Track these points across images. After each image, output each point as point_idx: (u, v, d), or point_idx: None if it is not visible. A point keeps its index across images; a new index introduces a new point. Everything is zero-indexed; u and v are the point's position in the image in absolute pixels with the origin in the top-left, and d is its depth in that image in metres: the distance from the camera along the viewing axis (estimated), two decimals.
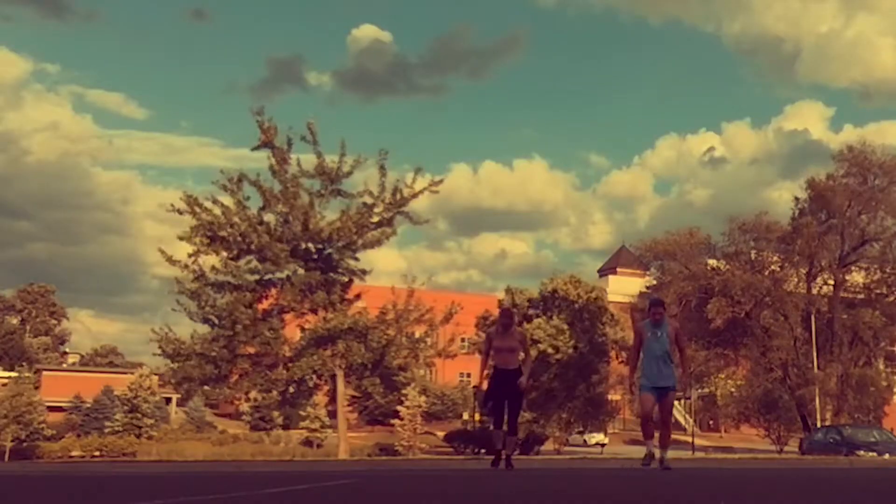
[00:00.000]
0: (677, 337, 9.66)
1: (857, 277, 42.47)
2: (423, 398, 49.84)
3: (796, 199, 42.49)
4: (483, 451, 39.89)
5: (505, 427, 9.79)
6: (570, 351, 44.36)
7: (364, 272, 24.81)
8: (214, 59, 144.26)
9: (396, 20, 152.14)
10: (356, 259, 24.58)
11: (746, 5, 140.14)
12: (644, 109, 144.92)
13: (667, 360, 9.42)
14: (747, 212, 43.84)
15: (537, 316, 46.19)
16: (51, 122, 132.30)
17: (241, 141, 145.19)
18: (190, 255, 23.25)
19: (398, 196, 24.02)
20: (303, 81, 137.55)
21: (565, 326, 44.82)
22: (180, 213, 23.28)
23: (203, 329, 24.26)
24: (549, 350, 43.87)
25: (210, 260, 23.70)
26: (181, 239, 23.35)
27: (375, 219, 24.14)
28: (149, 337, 24.15)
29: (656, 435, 9.56)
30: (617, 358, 47.98)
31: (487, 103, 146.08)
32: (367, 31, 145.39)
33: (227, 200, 23.72)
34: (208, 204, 23.50)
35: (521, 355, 10.18)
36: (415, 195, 24.10)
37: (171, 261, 23.32)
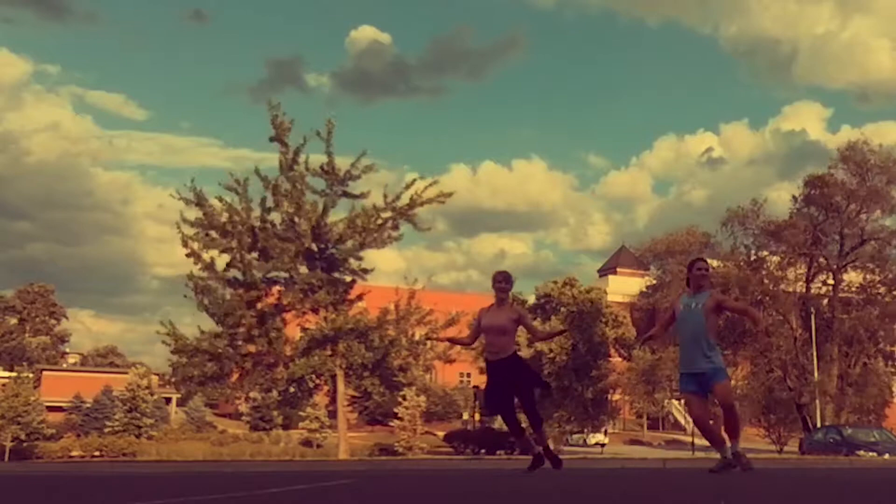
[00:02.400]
0: (719, 306, 7.60)
1: (855, 277, 42.51)
2: (422, 398, 49.87)
3: (794, 197, 42.56)
4: (483, 451, 39.93)
5: (527, 424, 8.01)
6: (567, 353, 44.38)
7: (366, 271, 24.86)
8: (214, 60, 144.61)
9: (395, 21, 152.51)
10: (359, 259, 24.65)
11: (743, 7, 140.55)
12: (642, 110, 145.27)
13: (701, 339, 7.34)
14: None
15: (533, 318, 46.29)
16: (51, 122, 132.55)
17: (242, 141, 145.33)
18: (192, 240, 23.32)
19: (407, 202, 24.13)
20: (302, 82, 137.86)
21: (561, 327, 44.87)
22: (187, 203, 23.31)
23: (209, 324, 24.32)
24: (546, 351, 43.91)
25: (213, 255, 23.78)
26: (185, 222, 23.34)
27: (380, 222, 24.23)
28: (156, 330, 24.18)
29: (726, 438, 7.68)
30: (619, 355, 48.02)
31: (486, 104, 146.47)
32: (366, 33, 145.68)
33: (232, 198, 23.78)
34: (214, 202, 23.58)
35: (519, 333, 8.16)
36: (422, 203, 24.21)
37: (185, 241, 23.27)
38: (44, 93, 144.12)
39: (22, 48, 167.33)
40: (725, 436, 7.76)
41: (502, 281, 7.96)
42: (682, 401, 7.88)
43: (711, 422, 7.89)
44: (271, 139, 24.04)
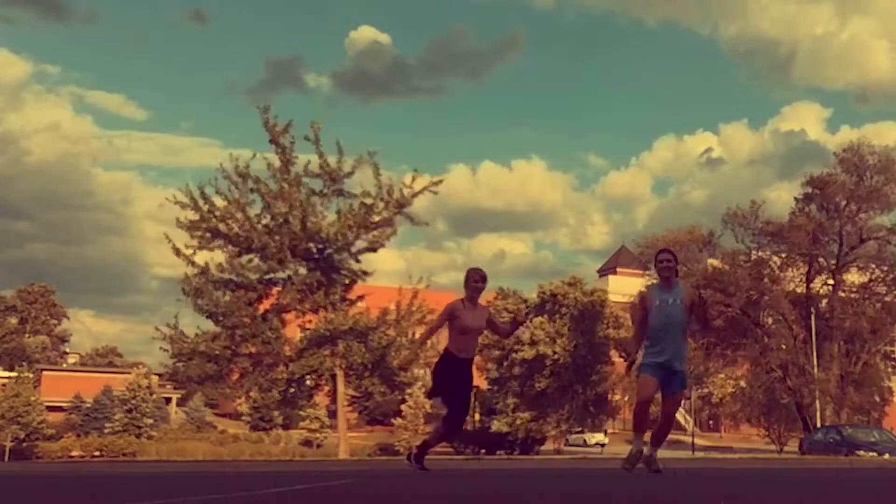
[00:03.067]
0: (693, 305, 7.54)
1: (855, 277, 42.53)
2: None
3: (796, 198, 42.60)
4: (483, 451, 39.96)
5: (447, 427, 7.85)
6: (569, 353, 44.32)
7: (365, 273, 24.84)
8: (214, 61, 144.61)
9: (395, 22, 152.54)
10: (357, 260, 24.62)
11: (742, 8, 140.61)
12: (641, 110, 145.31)
13: (683, 334, 7.47)
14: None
15: (538, 315, 46.17)
16: (51, 122, 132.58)
17: (241, 141, 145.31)
18: (189, 248, 23.34)
19: (399, 196, 24.07)
20: (301, 83, 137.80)
21: (566, 330, 44.81)
22: (183, 206, 23.30)
23: (206, 325, 24.31)
24: (548, 352, 43.86)
25: (209, 256, 23.78)
26: (180, 227, 23.34)
27: (376, 218, 24.19)
28: (152, 335, 24.12)
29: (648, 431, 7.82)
30: (620, 357, 48.03)
31: (486, 104, 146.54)
32: (365, 33, 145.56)
33: (222, 201, 23.76)
34: (217, 199, 23.55)
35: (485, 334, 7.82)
36: (415, 195, 24.16)
37: (176, 251, 23.30)
38: (44, 93, 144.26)
39: (22, 48, 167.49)
40: (650, 439, 7.82)
41: (479, 280, 7.65)
42: (641, 381, 7.51)
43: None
44: (271, 142, 24.04)
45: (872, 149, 40.95)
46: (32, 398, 51.79)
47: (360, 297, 25.18)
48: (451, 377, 7.59)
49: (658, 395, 7.57)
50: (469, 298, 7.64)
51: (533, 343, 43.94)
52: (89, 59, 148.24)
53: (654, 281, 8.15)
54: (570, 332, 45.07)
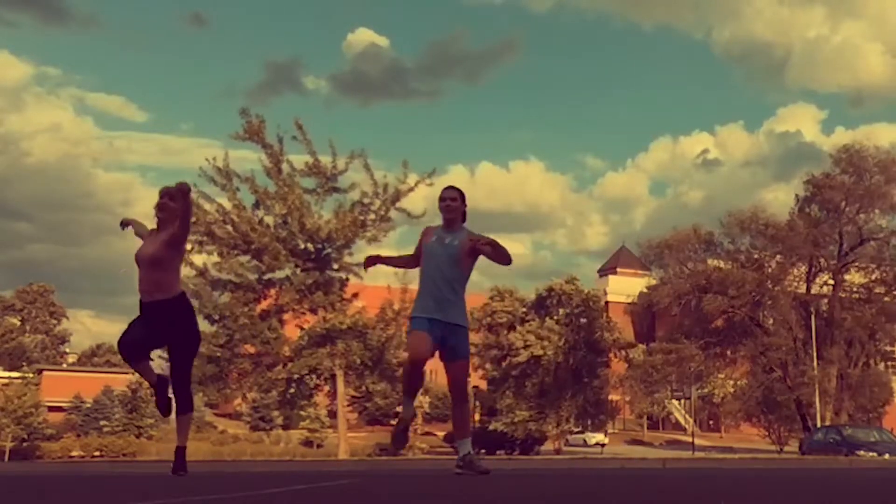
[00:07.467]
0: (472, 249, 6.19)
1: (855, 277, 42.54)
2: (425, 398, 49.94)
3: (797, 197, 42.64)
4: (483, 451, 39.91)
5: None
6: (561, 353, 44.23)
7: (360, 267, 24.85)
8: (213, 63, 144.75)
9: (393, 25, 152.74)
10: (351, 255, 24.66)
11: (736, 12, 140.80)
12: (638, 112, 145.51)
13: (455, 282, 6.36)
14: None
15: (532, 319, 46.14)
16: (52, 124, 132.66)
17: (241, 143, 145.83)
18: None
19: (393, 191, 24.11)
20: (300, 85, 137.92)
21: (556, 327, 44.76)
22: None
23: (204, 326, 24.30)
24: (541, 354, 43.80)
25: (207, 258, 23.78)
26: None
27: (373, 217, 24.22)
28: None
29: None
30: (616, 357, 48.03)
31: (483, 106, 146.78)
32: (363, 36, 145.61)
33: (223, 201, 23.80)
34: (207, 206, 23.51)
35: None
36: (410, 189, 24.19)
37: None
38: (45, 95, 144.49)
39: (23, 51, 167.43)
40: (455, 429, 6.68)
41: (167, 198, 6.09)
42: (409, 336, 6.45)
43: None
44: (242, 138, 24.02)
45: (874, 149, 40.96)
46: (35, 398, 51.88)
47: (355, 296, 25.21)
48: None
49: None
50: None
51: (527, 346, 43.91)
52: (90, 61, 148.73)
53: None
54: (569, 331, 45.03)
